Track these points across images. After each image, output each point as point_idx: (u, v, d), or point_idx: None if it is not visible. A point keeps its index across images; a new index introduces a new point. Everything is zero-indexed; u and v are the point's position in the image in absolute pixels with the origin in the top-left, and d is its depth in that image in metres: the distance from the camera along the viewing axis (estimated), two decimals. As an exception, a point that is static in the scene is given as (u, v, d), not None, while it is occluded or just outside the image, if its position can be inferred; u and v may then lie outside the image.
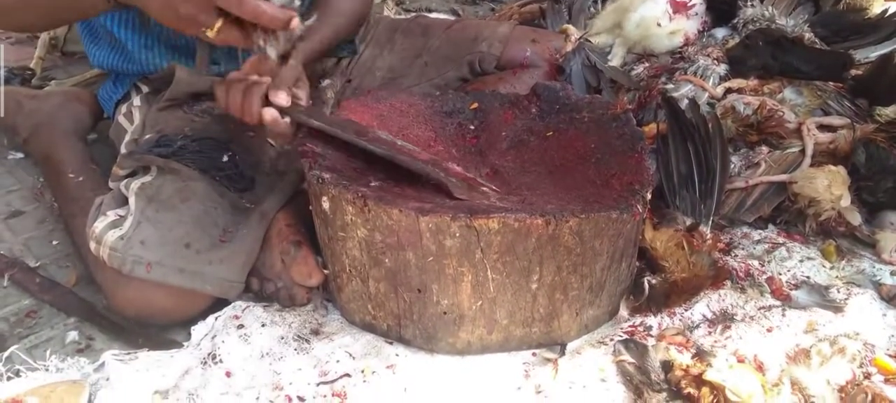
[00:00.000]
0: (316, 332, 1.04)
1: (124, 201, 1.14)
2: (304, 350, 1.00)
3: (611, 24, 1.60)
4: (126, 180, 1.16)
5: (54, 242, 1.31)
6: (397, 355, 1.00)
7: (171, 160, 1.14)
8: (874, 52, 1.51)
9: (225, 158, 1.18)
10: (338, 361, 0.98)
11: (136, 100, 1.32)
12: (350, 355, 0.99)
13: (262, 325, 1.04)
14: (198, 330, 1.05)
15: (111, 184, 1.21)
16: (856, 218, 1.20)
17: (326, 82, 1.38)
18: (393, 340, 1.02)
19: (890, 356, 0.97)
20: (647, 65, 1.49)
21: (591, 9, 1.82)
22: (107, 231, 1.08)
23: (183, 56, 1.27)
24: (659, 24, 1.49)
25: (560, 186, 1.06)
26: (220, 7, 0.86)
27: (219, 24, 0.88)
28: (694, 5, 1.52)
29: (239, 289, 1.09)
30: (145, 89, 1.32)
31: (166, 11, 0.90)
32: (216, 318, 1.06)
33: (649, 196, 1.01)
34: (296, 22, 0.87)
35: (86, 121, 1.52)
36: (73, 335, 1.09)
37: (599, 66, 1.47)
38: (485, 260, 0.92)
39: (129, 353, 1.00)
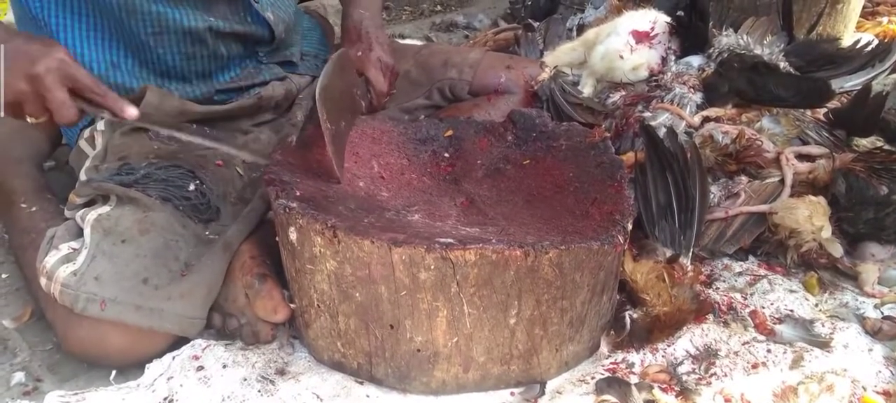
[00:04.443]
0: (281, 372, 0.99)
1: (79, 233, 1.08)
2: (268, 391, 0.94)
3: (578, 58, 1.60)
4: (83, 210, 1.11)
5: (3, 275, 1.25)
6: (368, 396, 0.95)
7: (132, 189, 1.09)
8: (848, 83, 1.51)
9: (191, 187, 1.13)
10: (305, 403, 0.92)
11: (100, 125, 1.26)
12: (318, 397, 0.94)
13: (224, 366, 0.98)
14: (152, 369, 0.99)
15: (67, 213, 1.15)
16: (837, 250, 1.18)
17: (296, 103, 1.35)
18: (364, 380, 0.98)
19: (878, 393, 0.94)
20: (623, 93, 1.47)
21: (566, 37, 1.81)
22: (59, 266, 1.02)
23: (156, 76, 1.22)
24: (621, 57, 1.48)
25: (538, 216, 1.02)
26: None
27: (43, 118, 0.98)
28: (656, 35, 1.51)
29: (200, 326, 1.03)
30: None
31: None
32: (173, 357, 1.00)
33: (630, 226, 0.98)
34: (131, 112, 1.01)
35: (42, 148, 1.45)
36: (19, 376, 1.02)
37: (574, 94, 1.45)
38: (461, 293, 0.88)
39: (76, 394, 0.93)
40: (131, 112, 1.01)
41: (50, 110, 0.98)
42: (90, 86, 0.99)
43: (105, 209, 1.08)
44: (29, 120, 1.00)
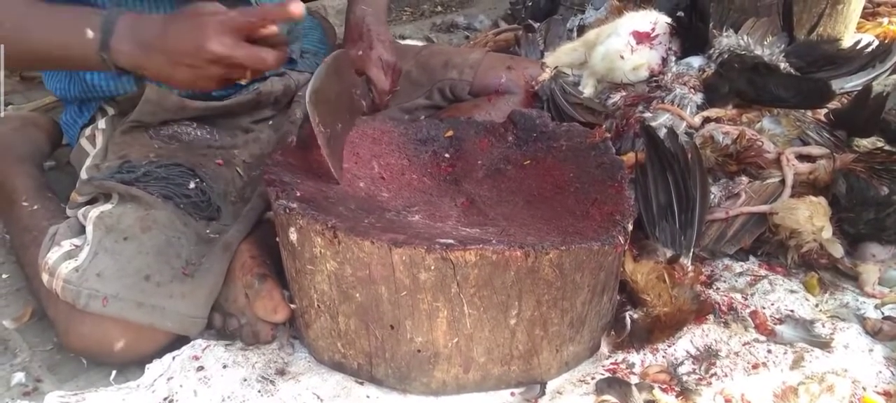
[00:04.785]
0: (281, 372, 0.99)
1: (81, 230, 1.08)
2: (268, 392, 0.94)
3: (578, 58, 1.60)
4: (85, 208, 1.11)
5: (4, 275, 1.24)
6: (368, 396, 0.95)
7: (133, 187, 1.09)
8: (848, 83, 1.51)
9: (192, 185, 1.13)
10: (305, 403, 0.92)
11: (101, 123, 1.26)
12: (318, 397, 0.94)
13: (224, 366, 0.98)
14: (152, 369, 0.99)
15: (69, 212, 1.15)
16: (838, 251, 1.18)
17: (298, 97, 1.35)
18: (364, 380, 0.97)
19: (878, 393, 0.94)
20: (623, 93, 1.47)
21: (567, 38, 1.81)
22: (61, 262, 1.02)
23: None
24: (622, 57, 1.48)
25: (538, 217, 1.02)
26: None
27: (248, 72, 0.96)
28: (657, 35, 1.51)
29: (201, 326, 1.03)
30: (112, 111, 1.26)
31: (180, 73, 0.95)
32: (173, 358, 1.00)
33: (631, 227, 0.98)
34: (296, 6, 0.93)
35: (43, 148, 1.46)
36: (19, 376, 1.02)
37: (574, 95, 1.45)
38: (461, 294, 0.88)
39: (75, 394, 0.93)
40: (294, 8, 0.93)
41: (249, 68, 0.95)
42: (247, 22, 0.93)
43: (107, 207, 1.08)
44: (242, 82, 0.99)
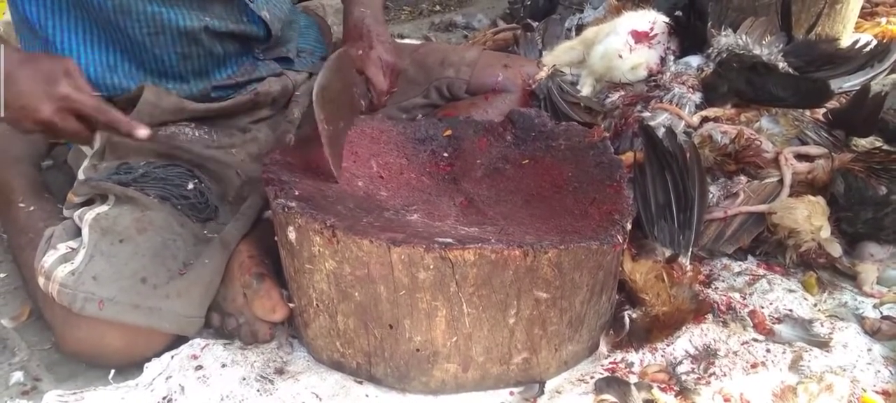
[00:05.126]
0: (280, 372, 0.99)
1: (77, 232, 1.08)
2: (267, 391, 0.94)
3: (577, 57, 1.60)
4: (81, 209, 1.10)
5: (2, 274, 1.24)
6: (367, 395, 0.95)
7: (130, 188, 1.08)
8: (847, 83, 1.51)
9: (190, 186, 1.12)
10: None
11: None
12: (317, 396, 0.94)
13: (222, 365, 0.98)
14: (151, 368, 0.99)
15: (65, 212, 1.14)
16: (836, 250, 1.18)
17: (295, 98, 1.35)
18: (363, 379, 0.97)
19: (877, 392, 0.94)
20: (622, 93, 1.47)
21: (565, 37, 1.81)
22: (57, 265, 1.02)
23: (153, 76, 1.21)
24: (620, 56, 1.48)
25: (537, 216, 1.02)
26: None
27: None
28: (656, 35, 1.51)
29: (199, 325, 1.03)
30: None
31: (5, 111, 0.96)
32: (172, 357, 0.99)
33: (629, 226, 0.98)
34: (142, 132, 0.99)
35: (40, 148, 1.45)
36: (17, 375, 1.02)
37: (571, 93, 1.45)
38: (460, 293, 0.88)
39: (74, 394, 0.93)
40: (142, 132, 1.00)
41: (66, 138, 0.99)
42: (97, 117, 0.98)
43: (103, 208, 1.08)
44: (49, 140, 1.01)
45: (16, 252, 1.22)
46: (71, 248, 1.04)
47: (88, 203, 1.12)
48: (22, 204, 1.26)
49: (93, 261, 1.01)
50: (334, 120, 1.05)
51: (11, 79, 0.95)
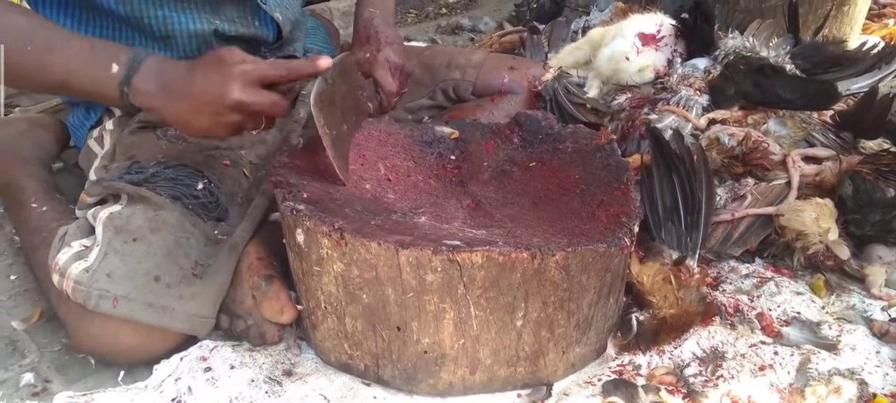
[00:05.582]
0: (289, 373, 0.99)
1: (91, 231, 1.08)
2: (275, 393, 0.95)
3: (583, 57, 1.60)
4: (94, 208, 1.11)
5: (13, 277, 1.25)
6: (375, 397, 0.95)
7: (142, 188, 1.09)
8: (854, 85, 1.51)
9: (200, 186, 1.13)
10: (312, 404, 0.93)
11: (109, 124, 1.27)
12: (325, 398, 0.94)
13: (231, 367, 0.98)
14: (160, 369, 0.99)
15: (78, 213, 1.15)
16: (844, 252, 1.18)
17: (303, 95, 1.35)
18: (370, 381, 0.98)
19: (885, 395, 0.94)
20: (629, 95, 1.47)
21: (571, 39, 1.81)
22: (71, 263, 1.02)
23: None
24: (627, 59, 1.48)
25: (544, 218, 1.02)
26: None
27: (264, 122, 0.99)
28: (663, 37, 1.51)
29: (210, 326, 1.04)
30: (118, 113, 1.27)
31: (198, 120, 0.97)
32: (181, 358, 1.00)
33: (636, 228, 0.98)
34: (325, 61, 0.98)
35: (51, 149, 1.46)
36: (28, 377, 1.03)
37: (577, 95, 1.46)
38: (468, 295, 0.88)
39: (84, 395, 0.94)
40: (323, 63, 0.98)
41: (267, 116, 0.99)
42: (276, 76, 0.97)
43: (116, 207, 1.09)
44: (253, 132, 1.01)
45: (29, 252, 1.23)
46: (85, 246, 1.05)
47: (101, 202, 1.13)
48: (34, 205, 1.27)
49: (107, 259, 1.01)
50: (336, 124, 1.05)
51: (189, 83, 0.96)
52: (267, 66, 0.97)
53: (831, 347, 1.02)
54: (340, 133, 1.07)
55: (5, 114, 1.67)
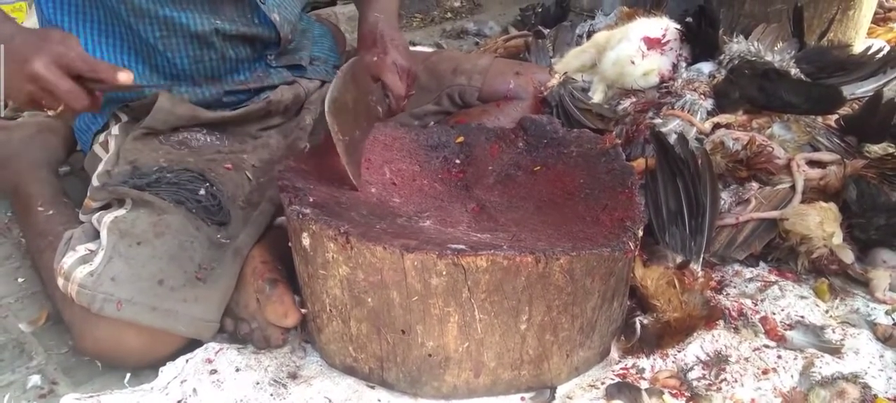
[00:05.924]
0: (293, 376, 1.00)
1: (96, 235, 1.09)
2: (280, 395, 0.95)
3: (588, 61, 1.60)
4: (99, 213, 1.12)
5: (20, 279, 1.26)
6: (379, 400, 0.95)
7: (146, 192, 1.10)
8: (859, 89, 1.50)
9: (202, 190, 1.14)
10: (317, 407, 0.93)
11: (114, 130, 1.27)
12: (330, 401, 0.95)
13: (236, 369, 0.99)
14: (166, 372, 1.00)
15: (83, 217, 1.16)
16: (848, 256, 1.18)
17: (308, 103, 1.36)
18: (375, 384, 0.98)
19: (889, 399, 0.94)
20: (633, 99, 1.47)
21: (576, 44, 1.82)
22: (76, 266, 1.03)
23: (166, 78, 1.23)
24: (632, 63, 1.49)
25: (549, 222, 1.03)
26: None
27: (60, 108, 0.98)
28: (668, 41, 1.51)
29: (214, 329, 1.04)
30: (125, 118, 1.28)
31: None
32: (187, 361, 1.01)
33: (641, 232, 0.98)
34: (124, 75, 0.98)
35: (58, 154, 1.47)
36: (35, 379, 1.03)
37: (583, 100, 1.46)
38: (472, 299, 0.88)
39: (90, 397, 0.94)
40: (123, 77, 0.99)
41: (62, 100, 0.98)
42: (83, 68, 0.97)
43: (121, 212, 1.09)
44: (49, 113, 1.00)
45: (35, 255, 1.24)
46: (90, 250, 1.06)
47: (106, 207, 1.14)
48: (41, 209, 1.28)
49: (111, 263, 1.02)
50: (350, 130, 1.06)
51: (10, 37, 0.97)
52: (76, 56, 0.97)
53: (835, 351, 1.02)
54: (353, 139, 1.08)
55: (13, 119, 1.68)
